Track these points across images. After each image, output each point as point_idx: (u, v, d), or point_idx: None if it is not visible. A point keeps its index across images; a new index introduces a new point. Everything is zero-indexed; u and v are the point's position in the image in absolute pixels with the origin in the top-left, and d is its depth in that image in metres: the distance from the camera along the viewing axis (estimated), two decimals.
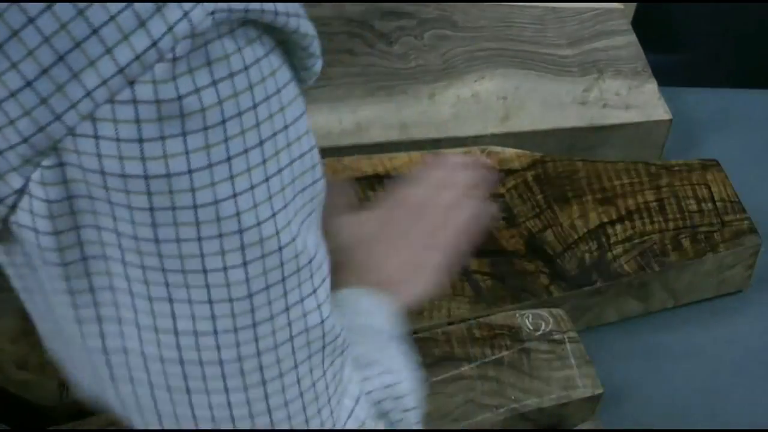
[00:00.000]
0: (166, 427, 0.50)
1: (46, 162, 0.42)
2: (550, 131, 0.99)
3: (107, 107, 0.40)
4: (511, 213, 0.90)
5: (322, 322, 0.51)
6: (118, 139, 0.41)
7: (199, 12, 0.40)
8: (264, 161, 0.45)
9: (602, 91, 1.02)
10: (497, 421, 0.77)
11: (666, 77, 1.07)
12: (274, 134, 0.45)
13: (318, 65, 0.51)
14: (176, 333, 0.47)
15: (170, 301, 0.46)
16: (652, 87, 1.04)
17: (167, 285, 0.46)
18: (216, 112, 0.42)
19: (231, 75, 0.42)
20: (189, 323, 0.47)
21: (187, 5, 0.40)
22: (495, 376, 0.79)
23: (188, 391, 0.49)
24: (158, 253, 0.44)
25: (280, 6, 0.44)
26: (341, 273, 0.71)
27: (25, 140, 0.41)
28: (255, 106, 0.44)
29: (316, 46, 0.50)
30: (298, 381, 0.51)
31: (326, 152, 0.92)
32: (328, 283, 0.52)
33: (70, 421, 0.73)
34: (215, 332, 0.47)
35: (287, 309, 0.49)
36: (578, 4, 1.10)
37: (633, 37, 1.08)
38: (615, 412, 0.87)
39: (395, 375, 0.59)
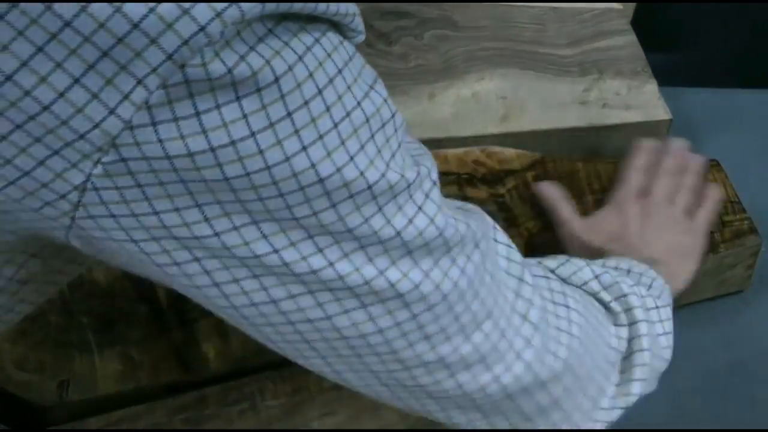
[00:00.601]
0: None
1: (106, 158, 0.41)
2: (550, 131, 0.99)
3: (161, 92, 0.40)
4: (511, 213, 0.90)
5: (440, 231, 0.50)
6: (176, 119, 0.41)
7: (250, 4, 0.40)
8: (328, 108, 0.45)
9: (602, 91, 1.02)
10: None
11: (666, 77, 1.07)
12: (331, 80, 0.46)
13: (360, 38, 0.53)
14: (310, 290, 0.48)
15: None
16: (652, 87, 1.04)
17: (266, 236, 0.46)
18: (267, 72, 0.42)
19: (284, 45, 0.42)
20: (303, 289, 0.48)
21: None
22: None
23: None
24: (246, 211, 0.44)
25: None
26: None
27: (81, 137, 0.41)
28: (311, 73, 0.44)
29: (357, 23, 0.52)
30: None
31: None
32: (437, 192, 0.51)
33: (70, 421, 0.73)
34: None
35: (398, 230, 0.48)
36: (578, 4, 1.10)
37: (633, 37, 1.08)
38: None
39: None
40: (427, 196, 0.49)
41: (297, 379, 0.76)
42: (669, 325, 0.69)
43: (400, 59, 1.01)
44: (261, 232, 0.45)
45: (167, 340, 0.76)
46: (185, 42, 0.39)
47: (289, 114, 0.43)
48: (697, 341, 0.94)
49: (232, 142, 0.42)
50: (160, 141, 0.41)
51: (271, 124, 0.42)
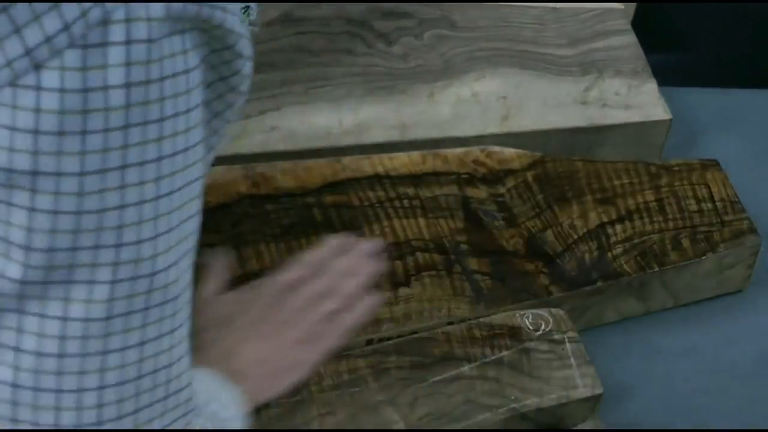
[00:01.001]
0: None
1: None
2: (550, 131, 0.99)
3: (8, 91, 0.40)
4: (511, 213, 0.90)
5: (170, 366, 0.48)
6: (13, 129, 0.40)
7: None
8: (158, 178, 0.44)
9: (602, 91, 1.02)
10: (497, 421, 0.77)
11: (666, 77, 1.07)
12: (174, 154, 0.44)
13: (248, 67, 0.48)
14: (17, 350, 0.45)
15: (20, 312, 0.44)
16: (652, 87, 1.04)
17: (21, 298, 0.44)
18: (120, 115, 0.41)
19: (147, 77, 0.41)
20: (33, 342, 0.44)
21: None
22: (495, 376, 0.79)
23: (13, 420, 0.46)
24: (25, 263, 0.43)
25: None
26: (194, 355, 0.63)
27: None
28: (162, 119, 0.43)
29: (244, 46, 0.47)
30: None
31: (326, 152, 0.92)
32: (188, 325, 0.49)
33: None
34: (60, 355, 0.44)
35: (142, 344, 0.46)
36: (578, 4, 1.10)
37: (633, 37, 1.08)
38: (615, 412, 0.87)
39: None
40: None
41: None
42: None
43: (400, 59, 1.01)
44: None
45: None
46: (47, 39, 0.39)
47: (124, 167, 0.42)
48: (697, 341, 0.94)
49: (57, 174, 0.41)
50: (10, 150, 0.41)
51: (104, 170, 0.42)
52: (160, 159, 0.43)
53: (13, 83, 0.40)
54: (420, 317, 0.82)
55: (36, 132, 0.40)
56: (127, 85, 0.41)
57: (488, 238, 0.88)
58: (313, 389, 0.75)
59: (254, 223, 0.83)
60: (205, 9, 0.43)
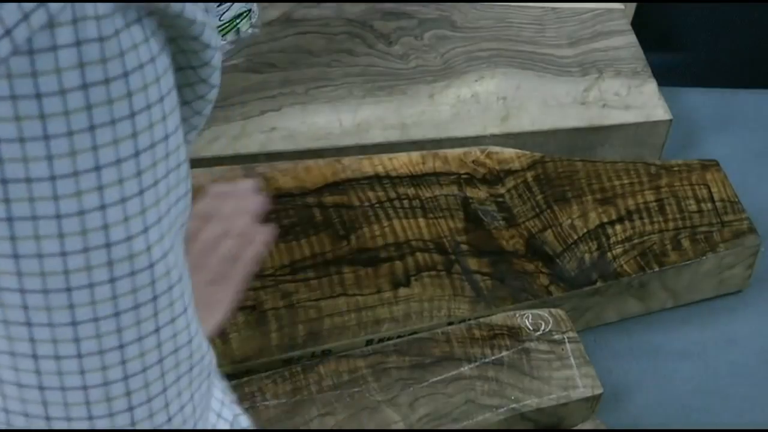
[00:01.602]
0: None
1: None
2: (550, 131, 0.99)
3: None
4: (511, 213, 0.90)
5: (190, 341, 0.48)
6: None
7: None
8: (139, 173, 0.42)
9: (602, 92, 1.02)
10: (497, 421, 0.77)
11: (666, 77, 1.07)
12: (153, 145, 0.42)
13: (216, 58, 0.47)
14: (35, 358, 0.44)
15: (29, 325, 0.43)
16: (652, 87, 1.04)
17: (26, 308, 0.43)
18: (82, 117, 0.40)
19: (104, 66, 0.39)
20: (50, 348, 0.44)
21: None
22: (495, 376, 0.79)
23: (48, 418, 0.46)
24: (17, 272, 0.42)
25: None
26: None
27: None
28: (133, 114, 0.41)
29: (210, 36, 0.45)
30: (167, 406, 0.48)
31: (326, 152, 0.92)
32: (192, 299, 0.49)
33: None
34: (79, 356, 0.44)
35: (158, 330, 0.46)
36: (578, 5, 1.10)
37: (633, 38, 1.08)
38: (615, 412, 0.87)
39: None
40: None
41: (297, 379, 0.76)
42: None
43: (400, 59, 1.01)
44: (26, 316, 0.43)
45: None
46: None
47: (98, 168, 0.41)
48: (697, 341, 0.94)
49: (28, 180, 0.40)
50: None
51: (76, 173, 0.41)
52: (137, 154, 0.42)
53: None
54: (420, 317, 0.82)
55: None
56: (84, 87, 0.40)
57: (488, 238, 0.88)
58: (313, 389, 0.76)
59: None
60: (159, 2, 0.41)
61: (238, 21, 0.98)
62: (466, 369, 0.79)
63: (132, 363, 0.46)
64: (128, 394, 0.46)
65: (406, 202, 0.88)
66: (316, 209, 0.85)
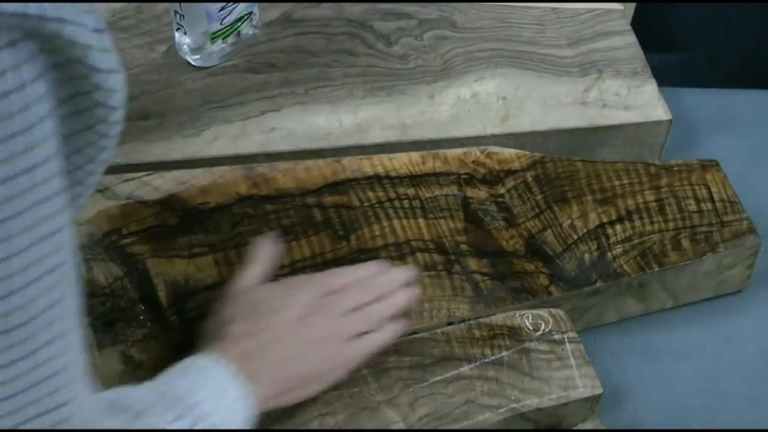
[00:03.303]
0: None
1: None
2: (550, 131, 0.99)
3: None
4: (511, 213, 0.90)
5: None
6: None
7: None
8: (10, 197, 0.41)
9: (602, 92, 1.02)
10: (497, 421, 0.77)
11: (666, 77, 1.07)
12: (15, 176, 0.41)
13: (111, 81, 0.44)
14: None
15: None
16: (651, 87, 1.04)
17: None
18: None
19: None
20: None
21: None
22: (495, 376, 0.79)
23: None
24: None
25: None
26: (220, 343, 0.69)
27: None
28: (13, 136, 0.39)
29: (99, 59, 0.42)
30: None
31: (326, 152, 0.92)
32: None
33: None
34: None
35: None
36: (577, 5, 1.10)
37: (632, 38, 1.08)
38: (615, 412, 0.87)
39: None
40: None
41: None
42: None
43: (400, 59, 1.01)
44: None
45: (167, 340, 0.76)
46: None
47: None
48: (697, 341, 0.94)
49: None
50: None
51: None
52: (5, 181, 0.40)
53: None
54: (420, 317, 0.82)
55: None
56: None
57: (488, 238, 0.88)
58: None
59: (254, 223, 0.83)
60: (29, 21, 0.38)
61: (239, 24, 0.98)
62: (466, 369, 0.79)
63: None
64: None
65: (406, 203, 0.88)
66: (315, 209, 0.85)
